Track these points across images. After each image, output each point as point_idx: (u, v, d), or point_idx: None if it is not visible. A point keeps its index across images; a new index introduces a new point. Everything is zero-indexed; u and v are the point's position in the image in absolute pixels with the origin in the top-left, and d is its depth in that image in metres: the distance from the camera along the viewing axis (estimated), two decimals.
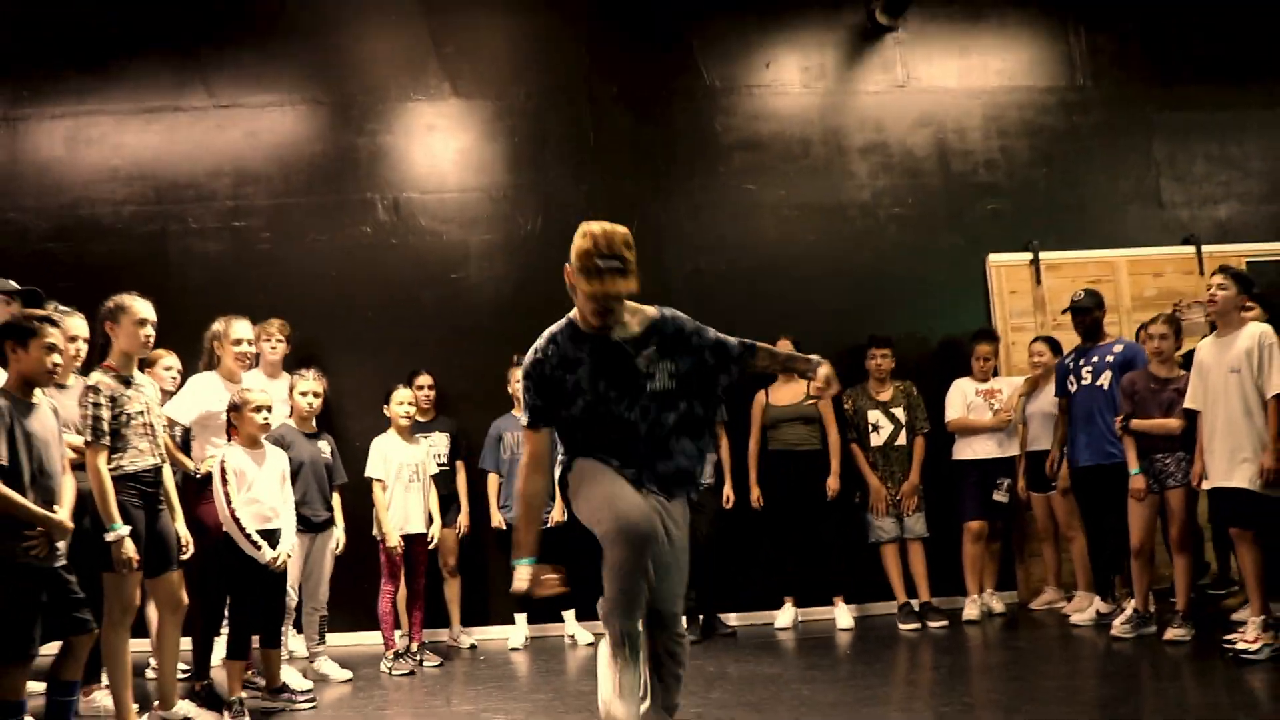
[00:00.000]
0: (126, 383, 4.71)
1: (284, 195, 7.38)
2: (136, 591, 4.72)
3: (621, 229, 3.65)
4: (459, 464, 7.00)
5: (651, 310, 3.85)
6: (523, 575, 3.83)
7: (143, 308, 4.80)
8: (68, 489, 4.36)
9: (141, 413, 4.71)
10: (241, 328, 5.68)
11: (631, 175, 7.51)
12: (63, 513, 4.22)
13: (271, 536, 5.21)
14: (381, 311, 7.31)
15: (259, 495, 5.20)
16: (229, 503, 5.10)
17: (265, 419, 5.27)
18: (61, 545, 4.17)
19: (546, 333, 3.79)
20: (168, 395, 5.70)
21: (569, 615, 6.97)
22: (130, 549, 4.50)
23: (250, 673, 5.56)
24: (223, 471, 5.13)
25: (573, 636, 6.94)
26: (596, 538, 3.60)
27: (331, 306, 7.27)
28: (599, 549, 3.55)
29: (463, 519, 6.94)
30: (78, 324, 5.04)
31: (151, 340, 4.82)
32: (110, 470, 4.54)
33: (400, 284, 7.35)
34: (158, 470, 4.78)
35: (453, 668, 6.30)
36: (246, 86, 7.48)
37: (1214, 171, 8.02)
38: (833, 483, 7.00)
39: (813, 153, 7.69)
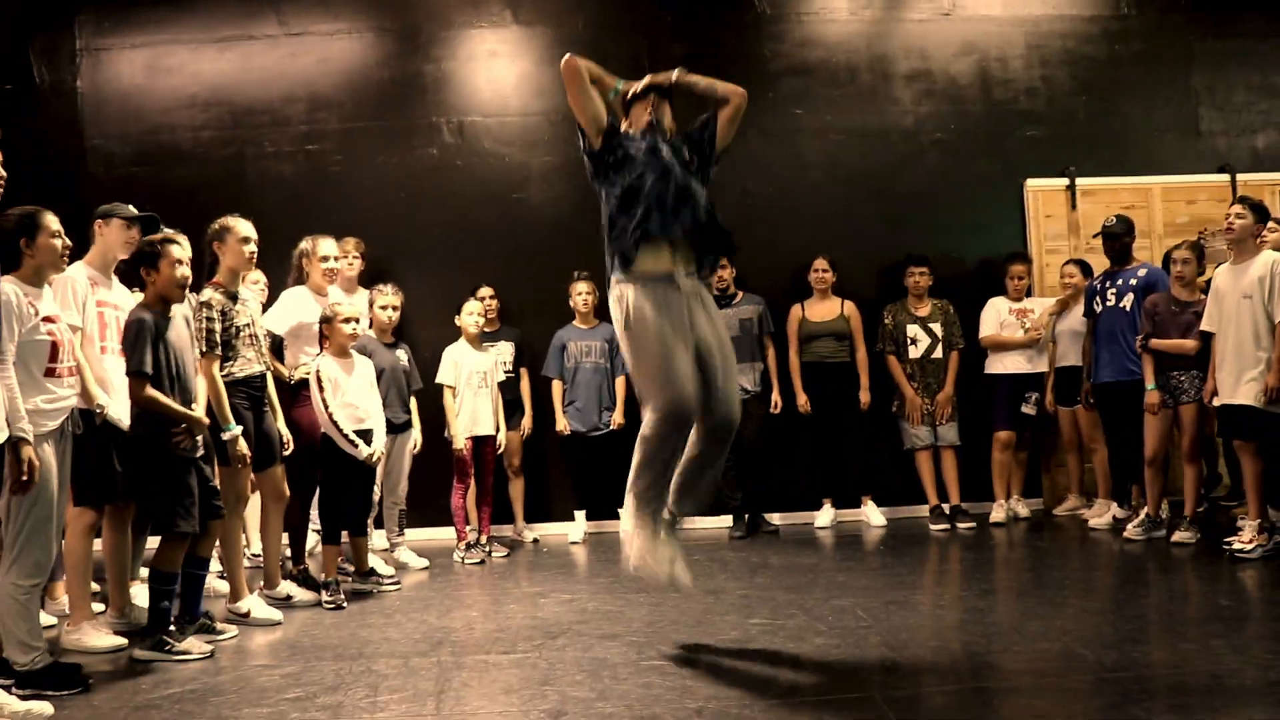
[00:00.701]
0: (234, 298, 5.52)
1: (354, 120, 8.14)
2: (248, 484, 5.61)
3: None
4: (523, 371, 7.85)
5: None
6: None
7: (245, 227, 5.57)
8: (200, 391, 5.22)
9: (248, 325, 5.54)
10: (327, 245, 6.48)
11: (682, 100, 8.14)
12: (199, 411, 5.09)
13: (365, 436, 6.05)
14: (447, 230, 8.10)
15: (352, 399, 6.04)
16: (326, 407, 5.94)
17: (354, 329, 6.09)
18: (200, 439, 5.04)
19: None
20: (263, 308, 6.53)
21: (624, 512, 7.84)
22: (243, 446, 5.35)
23: (341, 558, 6.47)
24: (319, 379, 5.98)
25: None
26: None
27: (400, 225, 8.06)
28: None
29: (526, 422, 7.80)
30: (184, 249, 5.84)
31: (254, 257, 5.61)
32: (223, 377, 5.39)
33: (464, 204, 8.12)
34: (263, 376, 5.63)
35: (519, 558, 7.21)
36: (316, 15, 8.20)
37: (1253, 100, 8.59)
38: (864, 396, 7.81)
39: (858, 79, 8.36)
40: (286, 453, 5.86)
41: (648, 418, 4.44)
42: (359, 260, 7.44)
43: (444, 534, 7.55)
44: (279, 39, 8.18)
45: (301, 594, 5.90)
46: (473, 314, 7.16)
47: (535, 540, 7.79)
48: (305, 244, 6.50)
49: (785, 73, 8.33)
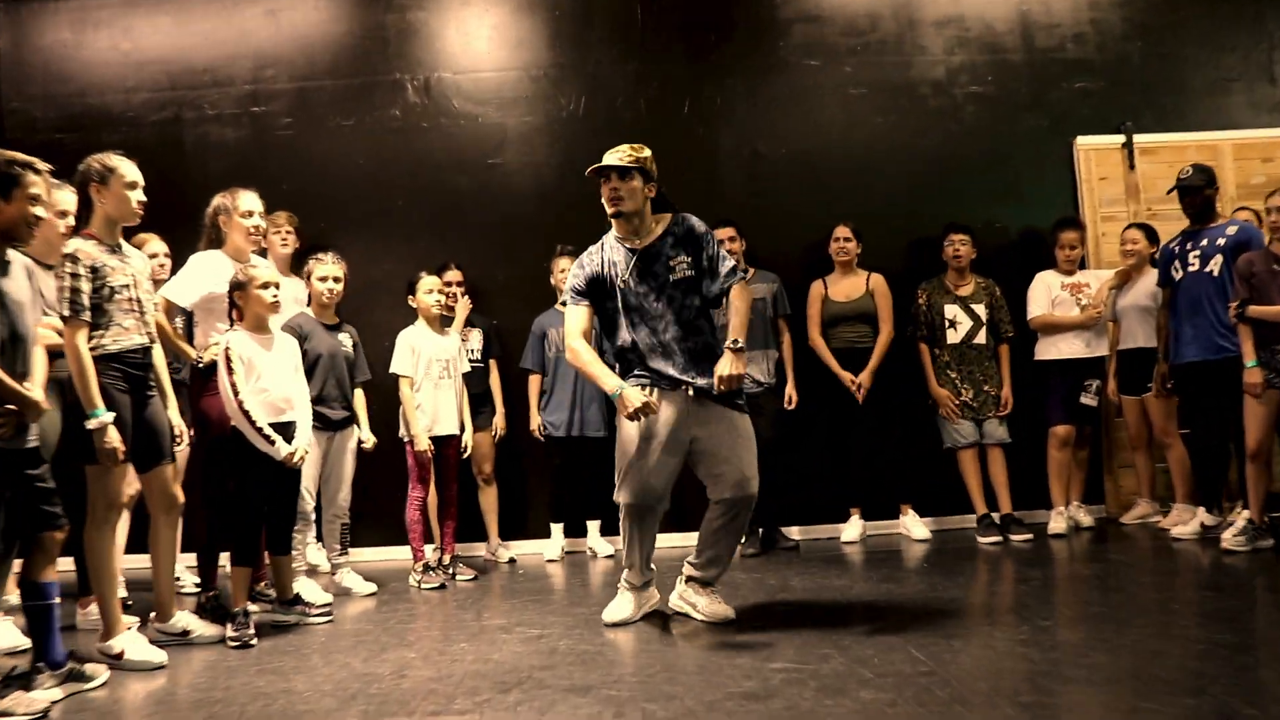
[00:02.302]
0: (112, 251, 4.01)
1: (306, 78, 6.61)
2: (123, 486, 4.04)
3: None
4: (492, 362, 6.26)
5: (666, 217, 4.37)
6: (633, 397, 4.08)
7: (132, 170, 4.11)
8: (39, 363, 3.68)
9: (127, 286, 4.01)
10: (250, 199, 4.91)
11: (683, 53, 6.64)
12: (35, 390, 3.54)
13: (285, 430, 4.50)
14: (413, 200, 6.57)
15: (269, 384, 4.47)
16: (236, 393, 4.38)
17: (274, 297, 4.54)
18: (30, 426, 3.50)
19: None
20: (158, 285, 4.96)
21: (593, 527, 6.30)
22: (114, 437, 3.83)
23: (264, 584, 4.91)
24: (227, 359, 4.42)
25: (593, 549, 6.28)
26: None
27: (359, 196, 6.54)
28: None
29: (498, 422, 6.22)
30: (67, 197, 4.33)
31: (142, 208, 4.11)
32: (91, 350, 3.87)
33: (432, 171, 6.59)
34: (146, 351, 4.08)
35: (488, 582, 5.60)
36: None
37: None
38: (865, 378, 6.14)
39: (881, 26, 6.77)
40: (179, 446, 4.32)
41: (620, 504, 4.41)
42: (293, 236, 5.90)
43: (403, 552, 5.96)
44: None
45: (203, 628, 4.35)
46: (431, 291, 5.60)
47: (511, 560, 6.18)
48: (221, 199, 4.92)
49: (797, 19, 6.74)
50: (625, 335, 4.26)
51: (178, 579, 5.51)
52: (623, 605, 4.38)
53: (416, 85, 6.59)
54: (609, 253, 4.32)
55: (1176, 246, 5.79)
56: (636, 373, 4.24)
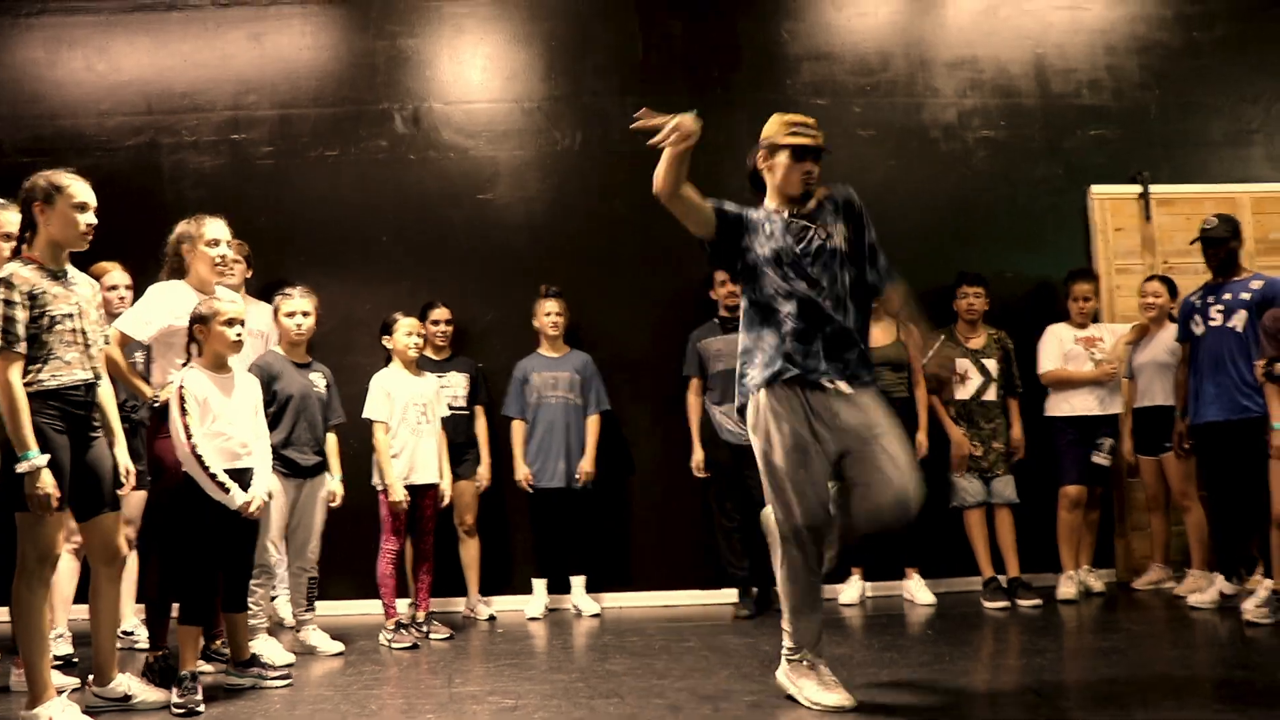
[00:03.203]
0: (55, 277, 3.66)
1: (290, 105, 6.28)
2: (59, 536, 3.65)
3: None
4: (478, 408, 5.89)
5: (824, 188, 3.85)
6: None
7: (82, 190, 3.77)
8: None
9: (71, 315, 3.66)
10: (217, 227, 4.55)
11: (684, 88, 6.32)
12: None
13: (242, 477, 4.13)
14: (398, 236, 6.22)
15: (226, 428, 4.11)
16: (189, 435, 4.01)
17: (238, 335, 4.19)
18: None
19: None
20: (113, 317, 4.61)
21: (577, 583, 5.91)
22: (47, 483, 3.45)
23: (220, 642, 4.52)
24: (181, 398, 4.05)
25: (577, 607, 5.88)
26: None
27: (342, 229, 6.20)
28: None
29: (483, 471, 5.84)
30: (11, 218, 4.00)
31: (91, 232, 3.77)
32: (26, 385, 3.51)
33: (420, 205, 6.25)
34: (90, 387, 3.72)
35: (464, 641, 5.21)
36: None
37: None
38: (921, 438, 5.81)
39: (893, 66, 6.47)
40: (125, 491, 3.96)
41: (776, 554, 3.75)
42: (241, 264, 5.52)
43: (375, 607, 5.53)
44: (204, 9, 6.34)
45: (146, 692, 3.96)
46: (411, 333, 5.25)
47: (492, 617, 5.77)
48: (186, 226, 4.54)
49: (806, 57, 6.44)
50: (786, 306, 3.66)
51: (130, 633, 5.12)
52: (825, 688, 3.60)
53: (405, 115, 6.27)
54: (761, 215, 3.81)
55: (1197, 300, 5.46)
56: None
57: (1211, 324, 5.34)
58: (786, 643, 3.74)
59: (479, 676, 4.39)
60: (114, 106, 6.25)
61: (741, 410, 3.85)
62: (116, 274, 5.19)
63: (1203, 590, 5.40)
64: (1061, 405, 5.92)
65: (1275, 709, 3.42)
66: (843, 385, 3.60)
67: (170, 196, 6.09)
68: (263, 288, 5.69)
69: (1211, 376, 5.31)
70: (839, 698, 3.53)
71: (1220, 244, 5.37)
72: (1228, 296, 5.33)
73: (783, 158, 3.77)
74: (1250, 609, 4.88)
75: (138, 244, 4.94)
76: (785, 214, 3.76)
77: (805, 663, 3.67)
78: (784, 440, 3.58)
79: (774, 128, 3.83)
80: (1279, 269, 5.81)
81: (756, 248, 3.74)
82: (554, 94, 6.32)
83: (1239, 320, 5.25)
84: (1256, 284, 5.29)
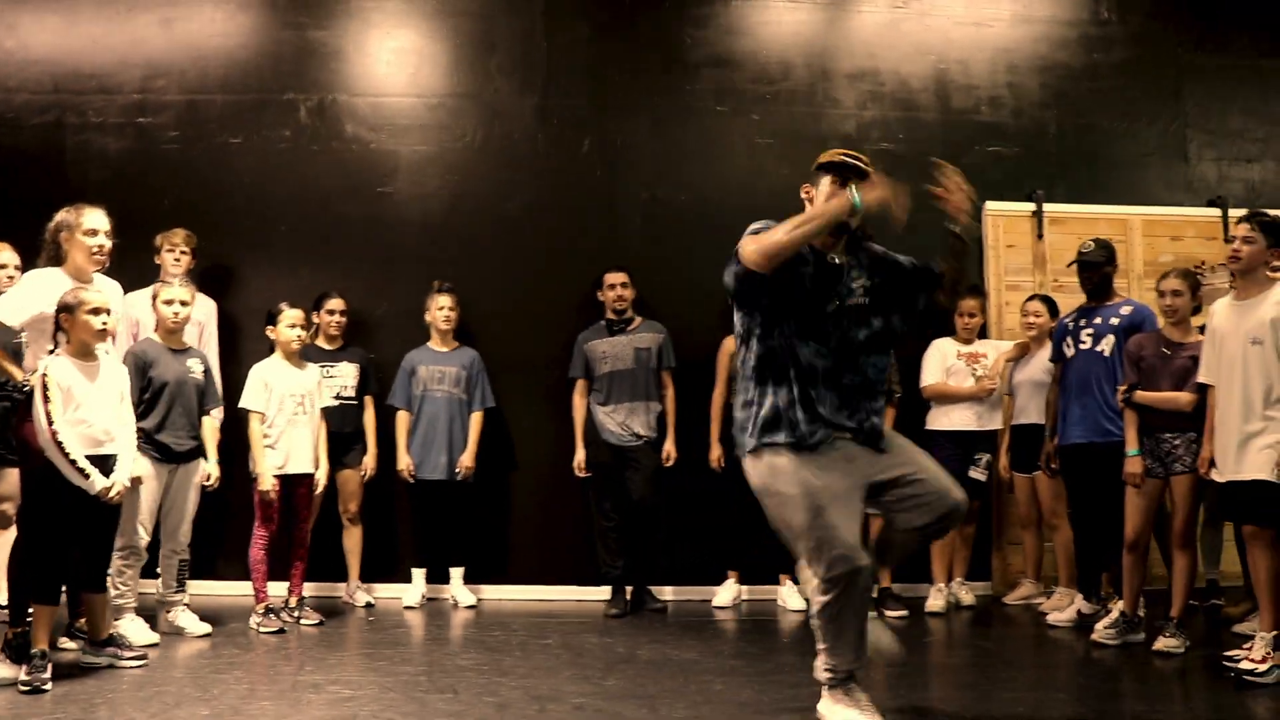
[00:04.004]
0: None
1: (196, 91, 6.39)
2: None
3: None
4: (368, 399, 6.04)
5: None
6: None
7: None
8: None
9: None
10: (96, 217, 4.67)
11: (586, 89, 6.49)
12: None
13: (105, 463, 4.27)
14: (297, 225, 6.37)
15: (88, 415, 4.24)
16: (50, 422, 4.13)
17: (104, 324, 4.31)
18: None
19: None
20: None
21: (456, 574, 6.07)
22: None
23: (82, 621, 4.66)
24: (44, 386, 4.18)
25: (455, 599, 6.03)
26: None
27: (243, 217, 6.33)
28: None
29: (368, 460, 5.99)
30: None
31: None
32: None
33: (320, 196, 6.38)
34: None
35: (334, 628, 5.37)
36: None
37: (1250, 127, 6.92)
38: None
39: (793, 75, 6.63)
40: None
41: (814, 588, 3.42)
42: (188, 256, 5.81)
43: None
44: None
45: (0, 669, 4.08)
46: (294, 325, 5.41)
47: (369, 604, 5.94)
48: (65, 214, 4.66)
49: (706, 63, 6.59)
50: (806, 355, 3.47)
51: (5, 607, 5.26)
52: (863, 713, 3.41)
53: (310, 106, 6.39)
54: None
55: (1071, 322, 5.63)
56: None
57: (1081, 347, 5.51)
58: (826, 675, 3.48)
59: (329, 665, 4.54)
60: (20, 84, 6.34)
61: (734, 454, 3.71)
62: (6, 253, 5.30)
63: (1062, 609, 5.62)
64: (941, 419, 6.10)
65: None
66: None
67: (74, 177, 6.18)
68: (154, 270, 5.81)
69: (1078, 399, 5.48)
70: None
71: (1095, 268, 5.53)
72: (1098, 320, 5.50)
73: (825, 183, 3.69)
74: (1099, 629, 5.07)
75: (38, 223, 5.00)
76: (827, 255, 3.58)
77: (844, 690, 3.46)
78: (801, 494, 3.36)
79: (824, 157, 3.74)
80: None
81: (787, 288, 3.49)
82: (457, 91, 6.45)
83: (1106, 345, 5.42)
84: (1126, 310, 5.46)
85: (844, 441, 3.45)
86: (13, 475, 4.95)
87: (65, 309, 4.30)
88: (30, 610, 4.30)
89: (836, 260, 3.60)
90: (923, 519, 3.49)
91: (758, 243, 3.38)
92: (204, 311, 5.88)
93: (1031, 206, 6.62)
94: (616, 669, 4.49)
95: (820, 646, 3.45)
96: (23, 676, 4.01)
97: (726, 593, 6.10)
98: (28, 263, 5.14)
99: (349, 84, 6.44)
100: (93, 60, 6.38)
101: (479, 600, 6.05)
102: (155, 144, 6.36)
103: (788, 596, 6.01)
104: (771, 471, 3.43)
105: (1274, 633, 4.26)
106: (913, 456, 3.56)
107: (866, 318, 3.59)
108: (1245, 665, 4.22)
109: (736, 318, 3.59)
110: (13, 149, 6.22)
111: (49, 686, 3.99)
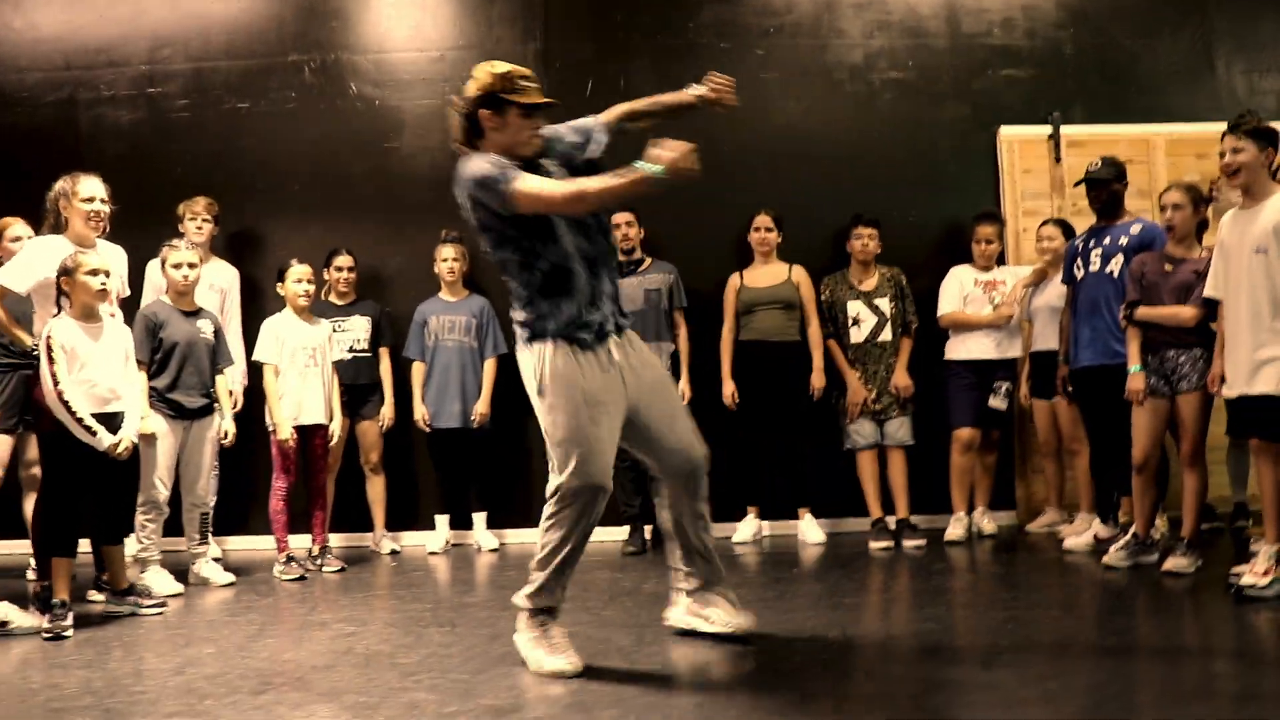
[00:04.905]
0: None
1: (203, 59, 6.59)
2: None
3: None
4: (382, 350, 6.24)
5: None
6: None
7: None
8: None
9: None
10: (91, 185, 4.90)
11: (587, 34, 6.56)
12: None
13: (112, 420, 4.50)
14: (309, 184, 6.55)
15: (94, 374, 4.47)
16: (56, 383, 4.37)
17: (103, 284, 4.52)
18: None
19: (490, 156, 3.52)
20: None
21: (479, 520, 6.26)
22: None
23: (107, 574, 4.93)
24: (49, 348, 4.41)
25: (478, 543, 6.22)
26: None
27: (255, 180, 6.53)
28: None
29: (387, 411, 6.19)
30: None
31: None
32: None
33: (328, 155, 6.55)
34: None
35: (357, 574, 5.58)
36: None
37: None
38: (817, 379, 6.06)
39: (797, 8, 6.61)
40: None
41: (558, 489, 3.50)
42: (210, 224, 6.05)
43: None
44: None
45: (22, 619, 4.34)
46: (301, 280, 5.61)
47: (394, 551, 6.15)
48: (62, 183, 4.91)
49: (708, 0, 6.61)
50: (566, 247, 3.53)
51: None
52: (552, 652, 3.48)
53: (314, 67, 6.55)
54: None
55: (1080, 244, 5.60)
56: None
57: (1091, 268, 5.47)
58: (529, 602, 3.57)
59: (340, 606, 4.75)
60: (32, 62, 6.58)
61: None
62: (19, 226, 5.52)
63: (1079, 534, 5.62)
64: (958, 348, 6.10)
65: (1094, 659, 3.59)
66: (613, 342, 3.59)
67: (90, 151, 6.40)
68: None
69: (1088, 321, 5.45)
70: (563, 662, 3.42)
71: (1103, 185, 5.47)
72: (1107, 241, 5.45)
73: (513, 115, 3.56)
74: (1111, 553, 5.08)
75: None
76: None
77: (540, 627, 3.55)
78: (577, 396, 3.47)
79: (492, 80, 3.56)
80: None
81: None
82: (459, 43, 6.55)
83: (1115, 265, 5.37)
84: (1135, 229, 5.40)
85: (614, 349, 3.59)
86: (35, 440, 5.23)
87: (65, 272, 4.52)
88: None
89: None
90: (667, 472, 3.74)
91: (538, 199, 3.37)
92: (226, 279, 6.12)
93: (1048, 129, 6.54)
94: (618, 601, 4.63)
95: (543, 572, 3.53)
96: (45, 625, 4.25)
97: (746, 528, 6.19)
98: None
99: (351, 42, 6.58)
100: (100, 34, 6.60)
101: (502, 544, 6.23)
102: (165, 114, 6.58)
103: (807, 530, 6.09)
104: (554, 367, 3.49)
105: (1277, 546, 4.26)
106: (664, 400, 3.72)
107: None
108: (1247, 580, 4.22)
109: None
110: (29, 127, 6.48)
111: (70, 633, 4.23)
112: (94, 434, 4.41)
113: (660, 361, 3.78)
